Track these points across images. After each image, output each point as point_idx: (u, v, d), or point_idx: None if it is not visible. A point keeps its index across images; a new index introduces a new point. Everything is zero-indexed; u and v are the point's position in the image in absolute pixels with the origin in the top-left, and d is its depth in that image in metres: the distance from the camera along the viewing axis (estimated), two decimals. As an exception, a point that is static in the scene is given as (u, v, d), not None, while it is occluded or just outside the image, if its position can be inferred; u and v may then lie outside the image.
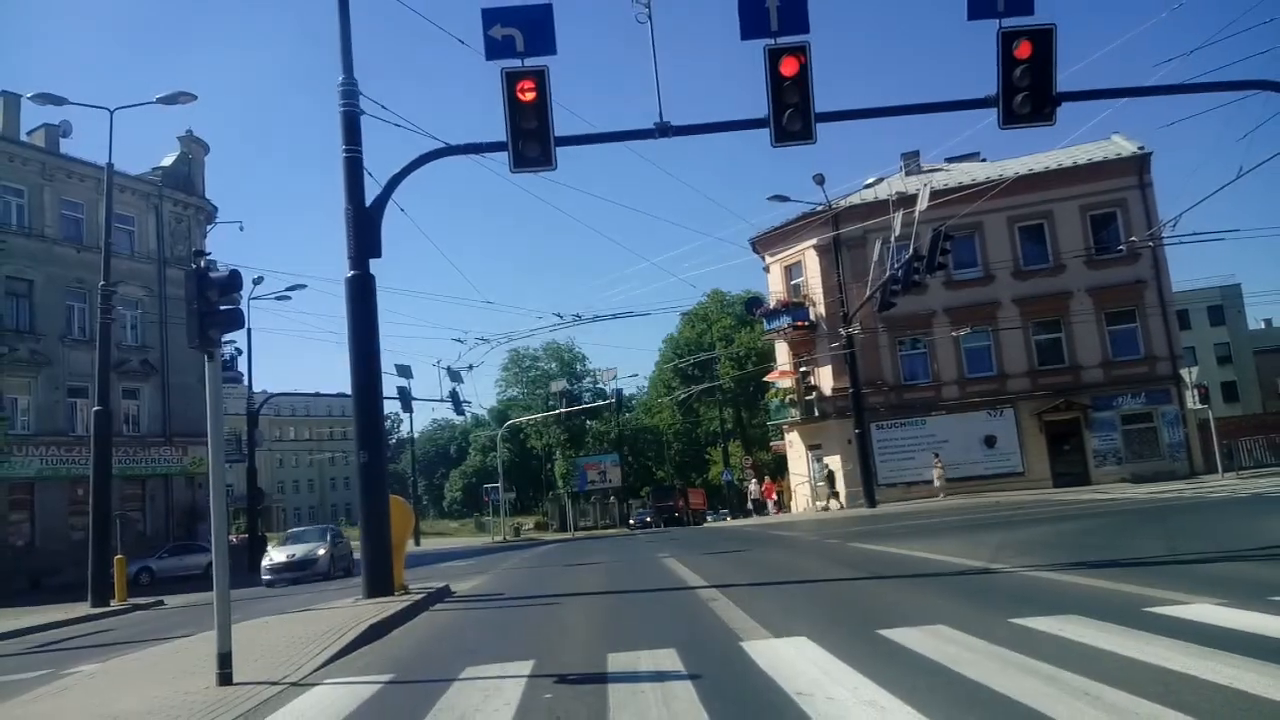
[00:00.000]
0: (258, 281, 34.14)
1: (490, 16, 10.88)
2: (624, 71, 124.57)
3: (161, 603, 19.84)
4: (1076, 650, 5.19)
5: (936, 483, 32.04)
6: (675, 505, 59.25)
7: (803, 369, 37.86)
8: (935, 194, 25.82)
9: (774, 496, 43.03)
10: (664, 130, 11.65)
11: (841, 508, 33.51)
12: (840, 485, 34.99)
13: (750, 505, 45.12)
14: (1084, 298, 33.67)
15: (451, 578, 15.43)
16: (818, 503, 35.93)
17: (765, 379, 44.62)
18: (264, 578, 22.79)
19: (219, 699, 5.97)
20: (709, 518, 57.11)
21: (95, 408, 19.74)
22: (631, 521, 61.24)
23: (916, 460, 33.91)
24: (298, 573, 22.55)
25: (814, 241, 36.01)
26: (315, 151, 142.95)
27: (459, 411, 46.75)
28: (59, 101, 19.64)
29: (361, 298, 12.13)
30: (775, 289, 39.33)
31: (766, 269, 40.62)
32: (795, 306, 37.11)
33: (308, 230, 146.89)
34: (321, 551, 23.20)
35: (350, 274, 12.08)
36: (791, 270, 38.39)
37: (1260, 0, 18.21)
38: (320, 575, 22.45)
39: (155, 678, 7.38)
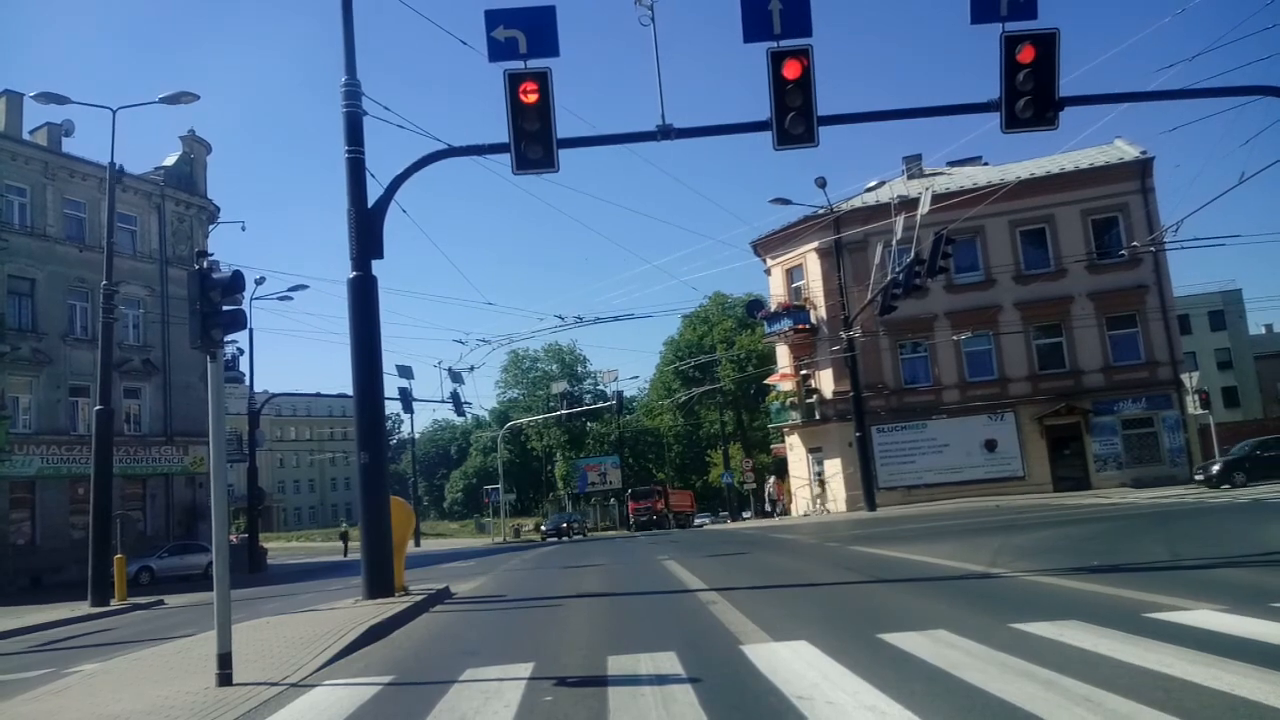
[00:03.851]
0: (260, 282, 34.25)
1: (493, 18, 10.88)
2: (627, 74, 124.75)
3: (161, 602, 19.84)
4: (1076, 656, 5.19)
5: (818, 503, 34.30)
6: (654, 506, 54.81)
7: (803, 372, 37.87)
8: (937, 198, 25.82)
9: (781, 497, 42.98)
10: (666, 133, 11.64)
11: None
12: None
13: (767, 506, 44.36)
14: (1085, 302, 33.66)
15: (451, 579, 15.42)
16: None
17: (766, 382, 44.59)
18: None
19: (219, 699, 5.97)
20: (705, 520, 56.11)
21: (97, 407, 19.75)
22: (543, 528, 53.04)
23: (917, 464, 33.95)
24: None
25: (815, 244, 36.02)
26: (318, 152, 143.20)
27: (460, 413, 46.80)
28: (61, 100, 19.65)
29: (363, 298, 12.14)
30: (776, 292, 39.35)
31: (768, 272, 40.63)
32: (796, 309, 37.13)
33: (310, 231, 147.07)
34: None
35: (352, 275, 12.09)
36: (793, 273, 38.40)
37: (1264, 6, 18.23)
38: None
39: (155, 678, 7.38)
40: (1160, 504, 21.31)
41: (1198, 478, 25.74)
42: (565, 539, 45.38)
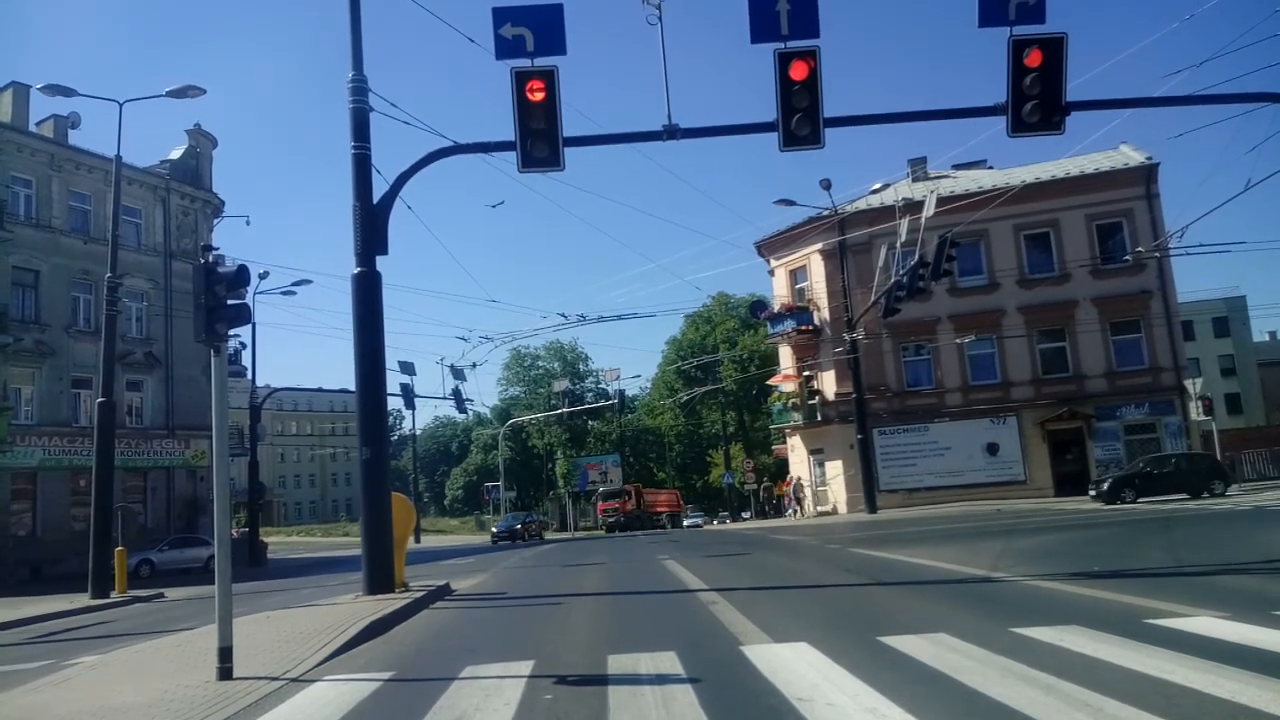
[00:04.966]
0: (263, 276, 34.14)
1: (501, 15, 10.83)
2: (633, 73, 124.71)
3: (162, 595, 19.85)
4: (1077, 661, 5.19)
5: (800, 507, 35.55)
6: (621, 508, 51.30)
7: (806, 373, 37.85)
8: (942, 201, 25.77)
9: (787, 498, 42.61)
10: (672, 132, 11.61)
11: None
12: None
13: (790, 503, 43.47)
14: (1089, 307, 33.62)
15: (451, 576, 15.44)
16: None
17: (768, 382, 44.52)
18: None
19: (219, 693, 5.98)
20: (698, 520, 55.56)
21: (99, 399, 19.77)
22: (494, 530, 47.21)
23: (919, 467, 33.93)
24: None
25: (820, 246, 36.01)
26: (324, 148, 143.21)
27: (461, 409, 46.77)
28: (68, 93, 19.66)
29: (367, 294, 12.15)
30: (780, 293, 39.32)
31: (771, 272, 40.59)
32: (800, 311, 37.12)
33: (315, 226, 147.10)
34: None
35: (356, 270, 12.10)
36: (796, 274, 38.38)
37: (1272, 12, 18.21)
38: None
39: (156, 671, 7.39)
40: (1162, 510, 21.27)
41: (1091, 493, 26.43)
42: (519, 542, 41.62)
